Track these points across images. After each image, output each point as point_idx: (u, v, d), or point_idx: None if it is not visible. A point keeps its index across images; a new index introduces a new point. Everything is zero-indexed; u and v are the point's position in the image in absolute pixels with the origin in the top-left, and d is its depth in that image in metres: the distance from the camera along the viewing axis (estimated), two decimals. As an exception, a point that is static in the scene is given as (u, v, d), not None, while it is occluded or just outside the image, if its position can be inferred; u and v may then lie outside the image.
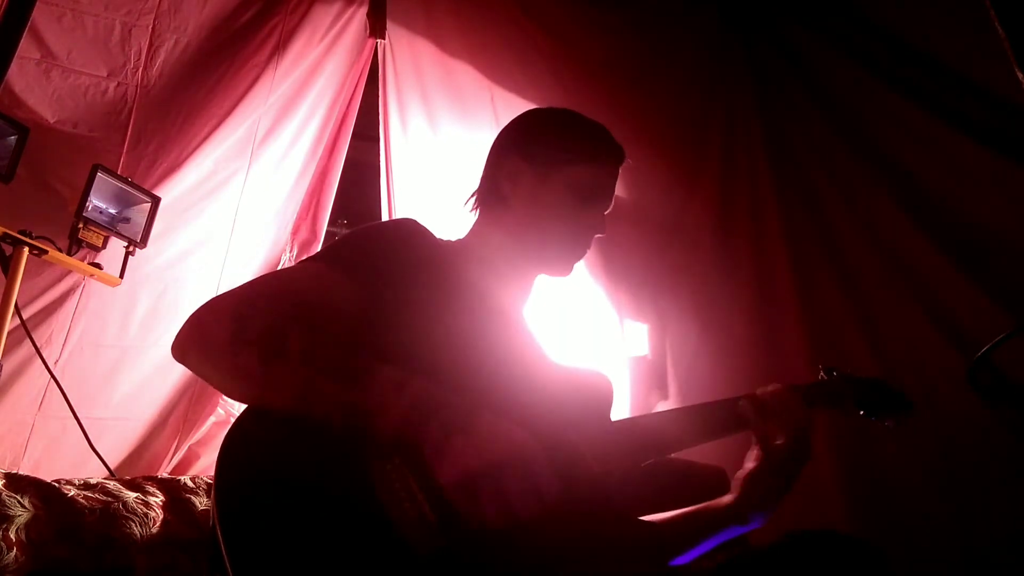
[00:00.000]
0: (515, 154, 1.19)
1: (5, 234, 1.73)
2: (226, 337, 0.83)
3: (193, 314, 0.87)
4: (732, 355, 2.66)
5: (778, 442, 1.09)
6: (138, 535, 1.51)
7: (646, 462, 1.05)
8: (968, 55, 2.22)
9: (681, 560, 1.11)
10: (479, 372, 0.95)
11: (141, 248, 2.01)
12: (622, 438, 1.04)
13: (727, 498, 1.12)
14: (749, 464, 1.12)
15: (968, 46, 2.17)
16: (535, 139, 1.20)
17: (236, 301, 0.88)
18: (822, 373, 1.31)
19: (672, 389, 2.74)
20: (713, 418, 1.13)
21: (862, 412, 1.29)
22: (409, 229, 1.09)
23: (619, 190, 1.24)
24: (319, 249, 2.27)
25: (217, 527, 0.68)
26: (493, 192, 1.20)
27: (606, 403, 1.11)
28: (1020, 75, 1.46)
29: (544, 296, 1.31)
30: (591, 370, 1.15)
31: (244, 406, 0.84)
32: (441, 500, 0.78)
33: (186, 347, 0.87)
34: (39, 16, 1.99)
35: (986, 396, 1.59)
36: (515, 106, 2.62)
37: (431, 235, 1.11)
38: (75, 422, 1.91)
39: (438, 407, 0.80)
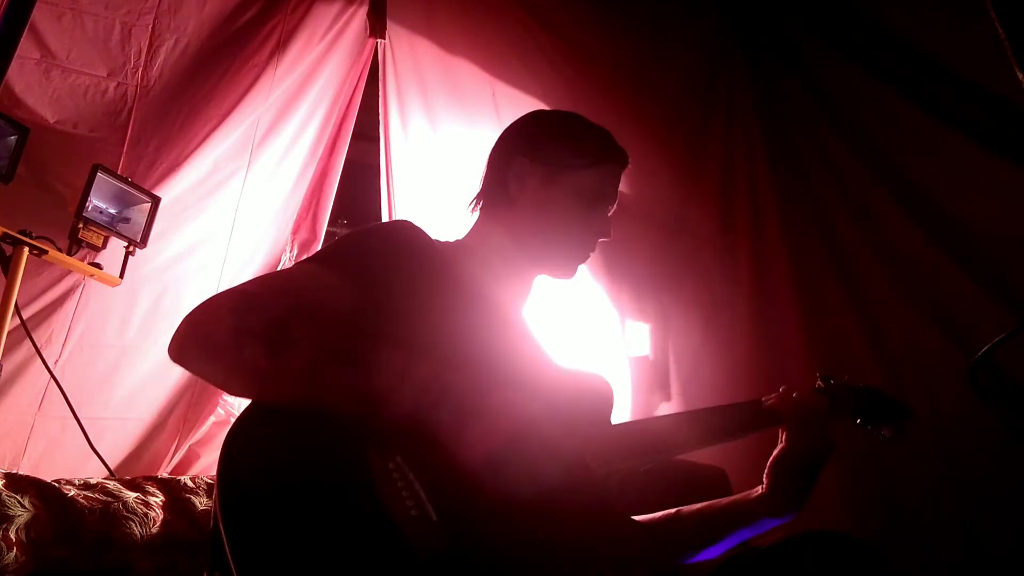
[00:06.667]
0: (522, 155, 1.18)
1: (5, 234, 1.73)
2: (227, 332, 0.81)
3: (188, 315, 0.85)
4: (733, 355, 2.67)
5: (808, 439, 1.14)
6: (138, 535, 1.51)
7: (648, 465, 1.05)
8: (968, 55, 2.22)
9: (705, 555, 1.12)
10: (477, 372, 0.95)
11: (141, 248, 2.01)
12: (623, 440, 1.04)
13: (757, 492, 1.14)
14: (777, 452, 1.16)
15: (968, 46, 2.17)
16: (544, 141, 1.20)
17: (233, 297, 0.87)
18: (819, 382, 1.31)
19: (674, 389, 2.74)
20: (736, 419, 1.16)
21: (859, 421, 1.29)
22: (404, 230, 1.08)
23: (620, 190, 1.24)
24: (317, 250, 2.27)
25: (220, 523, 0.68)
26: (499, 192, 1.19)
27: (607, 406, 1.11)
28: (1020, 75, 1.46)
29: (545, 296, 1.31)
30: (591, 372, 1.15)
31: (244, 405, 0.83)
32: (443, 499, 0.78)
33: (185, 347, 0.85)
34: (39, 16, 1.99)
35: (985, 396, 1.59)
36: (517, 101, 2.62)
37: (427, 236, 1.11)
38: (75, 422, 1.91)
39: (447, 389, 0.81)
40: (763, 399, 1.20)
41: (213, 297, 0.87)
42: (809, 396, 1.20)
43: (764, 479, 1.15)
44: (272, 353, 0.80)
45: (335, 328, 0.88)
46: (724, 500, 1.16)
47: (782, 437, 1.17)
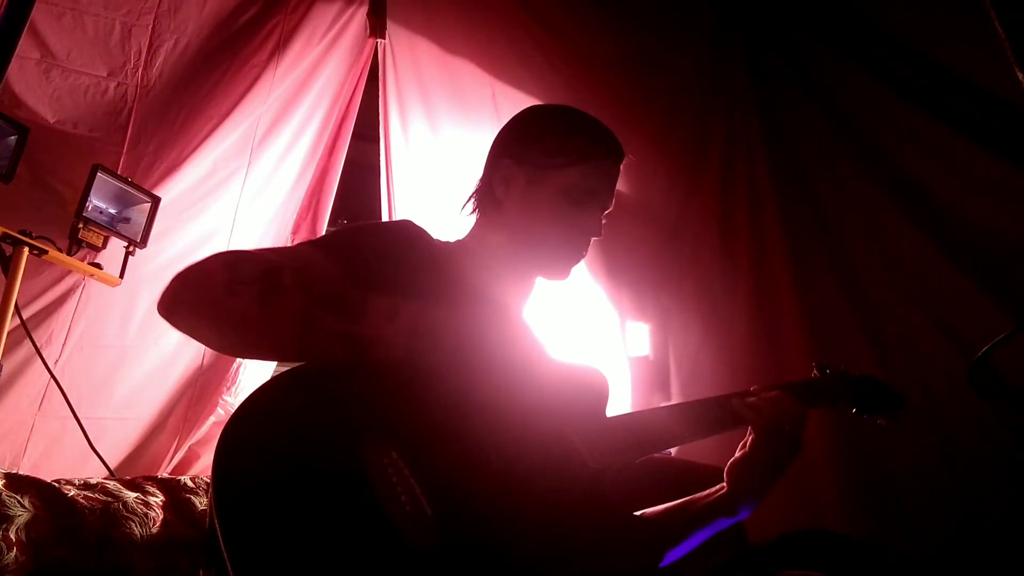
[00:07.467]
0: (508, 157, 1.18)
1: (5, 234, 1.73)
2: (221, 281, 0.83)
3: (180, 272, 0.86)
4: (734, 354, 2.66)
5: (770, 438, 1.11)
6: (138, 535, 1.51)
7: (642, 457, 1.05)
8: (968, 55, 2.22)
9: (676, 552, 1.11)
10: (476, 370, 0.95)
11: (141, 248, 2.01)
12: (618, 434, 1.04)
13: (716, 489, 1.14)
14: (739, 456, 1.14)
15: (968, 46, 2.17)
16: (527, 141, 1.18)
17: (225, 254, 0.89)
18: (815, 371, 1.31)
19: (674, 389, 2.74)
20: (708, 415, 1.14)
21: (854, 410, 1.29)
22: (407, 230, 1.09)
23: (620, 188, 1.23)
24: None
25: (215, 521, 0.68)
26: (488, 195, 1.20)
27: (602, 399, 1.11)
28: (1020, 75, 1.46)
29: (545, 296, 1.31)
30: (587, 366, 1.15)
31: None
32: (438, 493, 0.78)
33: (176, 301, 0.86)
34: (39, 16, 1.99)
35: (985, 395, 1.59)
36: (517, 101, 2.62)
37: (429, 236, 1.11)
38: (75, 422, 1.91)
39: (439, 333, 0.82)
40: (732, 397, 1.18)
41: (205, 258, 0.88)
42: (771, 396, 1.15)
43: (725, 477, 1.14)
44: (264, 298, 0.81)
45: (326, 279, 0.88)
46: (691, 496, 1.15)
47: (749, 433, 1.15)
